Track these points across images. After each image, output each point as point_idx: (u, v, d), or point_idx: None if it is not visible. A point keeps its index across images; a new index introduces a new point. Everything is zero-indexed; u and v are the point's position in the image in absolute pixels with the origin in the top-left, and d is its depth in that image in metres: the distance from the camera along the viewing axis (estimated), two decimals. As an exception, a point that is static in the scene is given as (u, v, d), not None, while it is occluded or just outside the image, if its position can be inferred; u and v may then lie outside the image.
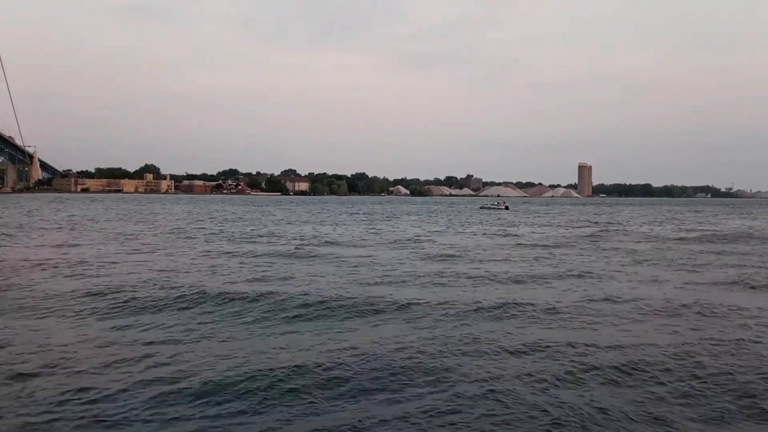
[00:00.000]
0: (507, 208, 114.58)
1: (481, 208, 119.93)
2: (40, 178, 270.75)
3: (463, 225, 62.21)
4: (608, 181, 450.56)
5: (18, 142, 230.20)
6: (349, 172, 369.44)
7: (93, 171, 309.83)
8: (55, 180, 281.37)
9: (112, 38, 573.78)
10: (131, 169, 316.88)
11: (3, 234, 41.32)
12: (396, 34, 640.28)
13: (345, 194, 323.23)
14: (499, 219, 77.68)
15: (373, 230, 51.34)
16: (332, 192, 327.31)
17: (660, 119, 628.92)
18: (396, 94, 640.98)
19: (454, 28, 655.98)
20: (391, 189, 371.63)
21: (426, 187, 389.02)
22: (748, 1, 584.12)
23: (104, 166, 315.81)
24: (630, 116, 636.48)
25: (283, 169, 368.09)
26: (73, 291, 18.52)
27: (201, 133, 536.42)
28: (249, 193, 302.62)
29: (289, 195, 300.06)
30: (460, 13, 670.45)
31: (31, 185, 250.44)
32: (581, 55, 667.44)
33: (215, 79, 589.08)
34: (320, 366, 10.87)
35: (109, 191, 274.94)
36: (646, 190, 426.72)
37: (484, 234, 48.22)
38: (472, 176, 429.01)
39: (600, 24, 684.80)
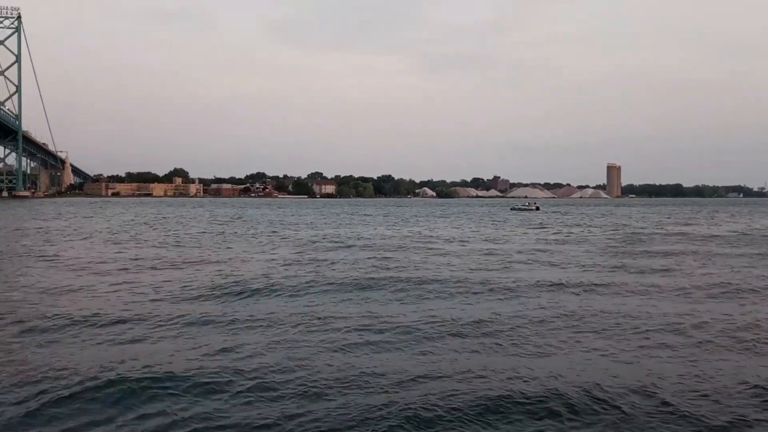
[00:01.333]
0: (538, 208, 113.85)
1: (511, 209, 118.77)
2: (72, 182, 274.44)
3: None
4: (637, 182, 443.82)
5: (51, 148, 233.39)
6: (375, 175, 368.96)
7: (123, 175, 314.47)
8: (86, 184, 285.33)
9: (140, 45, 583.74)
10: (160, 173, 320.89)
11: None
12: (419, 37, 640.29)
13: (371, 196, 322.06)
14: (549, 223, 76.11)
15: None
16: (358, 194, 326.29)
17: (690, 119, 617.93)
18: (421, 97, 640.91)
19: (479, 30, 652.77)
20: (417, 191, 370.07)
21: (452, 188, 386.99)
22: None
23: (134, 170, 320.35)
24: (659, 116, 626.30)
25: (309, 172, 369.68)
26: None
27: (228, 138, 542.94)
28: (276, 196, 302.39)
29: (315, 198, 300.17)
30: (484, 16, 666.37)
31: (62, 190, 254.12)
32: (608, 55, 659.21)
33: (241, 84, 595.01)
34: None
35: (139, 195, 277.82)
36: (676, 191, 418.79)
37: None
38: (499, 177, 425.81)
39: (628, 23, 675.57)
